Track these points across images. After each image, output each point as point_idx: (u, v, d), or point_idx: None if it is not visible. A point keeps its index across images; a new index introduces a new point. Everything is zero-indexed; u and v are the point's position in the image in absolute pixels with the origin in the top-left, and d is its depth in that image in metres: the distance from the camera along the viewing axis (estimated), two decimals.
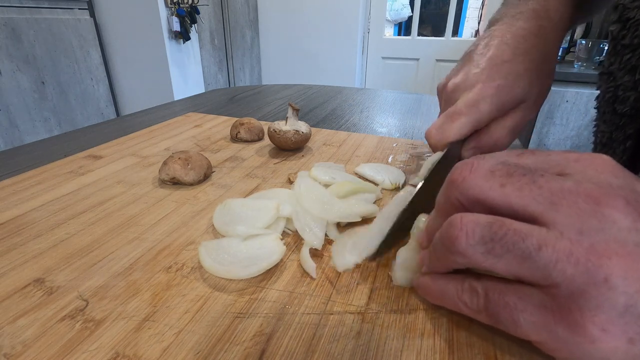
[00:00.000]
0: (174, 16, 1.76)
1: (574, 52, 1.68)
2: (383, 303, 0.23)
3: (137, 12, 1.75)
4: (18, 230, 0.30)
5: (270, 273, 0.26)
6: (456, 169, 0.20)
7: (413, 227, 0.27)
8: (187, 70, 1.98)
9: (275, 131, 0.45)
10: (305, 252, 0.27)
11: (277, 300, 0.23)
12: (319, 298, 0.24)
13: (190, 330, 0.21)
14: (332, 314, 0.22)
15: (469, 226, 0.17)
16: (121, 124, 0.62)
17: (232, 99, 0.82)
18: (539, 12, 0.35)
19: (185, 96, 0.93)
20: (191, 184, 0.38)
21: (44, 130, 1.62)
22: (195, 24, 1.91)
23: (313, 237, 0.28)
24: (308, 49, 2.49)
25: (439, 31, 2.43)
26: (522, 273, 0.16)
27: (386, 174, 0.40)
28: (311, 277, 0.25)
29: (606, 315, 0.15)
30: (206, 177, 0.40)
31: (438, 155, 0.33)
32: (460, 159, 0.34)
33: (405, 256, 0.25)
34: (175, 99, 1.43)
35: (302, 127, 0.46)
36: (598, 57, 1.57)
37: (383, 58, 2.48)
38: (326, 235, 0.30)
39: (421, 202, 0.27)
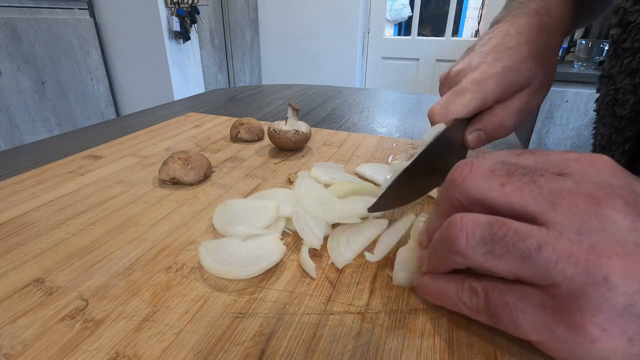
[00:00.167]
0: (174, 16, 1.76)
1: (574, 52, 1.69)
2: (383, 303, 0.23)
3: (137, 12, 1.75)
4: (18, 230, 0.30)
5: (270, 273, 0.26)
6: (456, 169, 0.20)
7: (413, 227, 0.27)
8: (187, 70, 1.98)
9: (275, 131, 0.45)
10: (304, 252, 0.27)
11: (277, 300, 0.23)
12: (319, 298, 0.24)
13: (190, 330, 0.21)
14: (332, 314, 0.22)
15: (469, 226, 0.17)
16: (121, 124, 0.62)
17: (232, 99, 0.82)
18: (540, 11, 0.36)
19: (185, 96, 0.93)
20: (191, 184, 0.38)
21: (44, 130, 1.62)
22: (195, 24, 1.91)
23: (312, 237, 0.28)
24: (308, 49, 2.49)
25: (439, 31, 2.43)
26: (522, 273, 0.16)
27: (386, 174, 0.40)
28: (311, 277, 0.25)
29: (606, 315, 0.15)
30: (206, 177, 0.40)
31: (441, 126, 0.31)
32: (462, 141, 0.33)
33: (405, 256, 0.25)
34: (175, 99, 1.43)
35: (302, 127, 0.46)
36: (598, 57, 1.58)
37: (383, 58, 2.48)
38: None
39: (422, 167, 0.27)
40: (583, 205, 0.16)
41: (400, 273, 0.25)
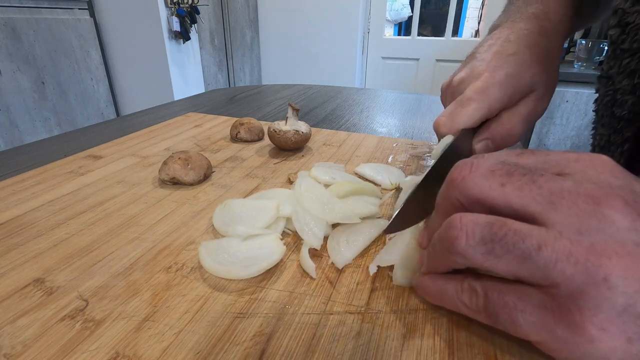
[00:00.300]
0: (174, 16, 1.76)
1: (574, 52, 1.69)
2: (383, 303, 0.23)
3: (137, 12, 1.75)
4: (18, 230, 0.30)
5: (270, 273, 0.26)
6: (456, 169, 0.20)
7: (412, 227, 0.27)
8: (187, 70, 1.98)
9: (275, 131, 0.45)
10: (304, 252, 0.27)
11: (277, 300, 0.23)
12: (319, 298, 0.24)
13: (190, 330, 0.21)
14: (332, 314, 0.22)
15: (469, 226, 0.17)
16: (121, 124, 0.62)
17: (232, 99, 0.82)
18: (539, 15, 0.35)
19: (185, 96, 0.93)
20: (191, 184, 0.38)
21: (44, 130, 1.62)
22: (195, 24, 1.91)
23: (312, 237, 0.28)
24: (308, 49, 2.49)
25: (439, 31, 2.43)
26: (522, 273, 0.16)
27: (386, 174, 0.40)
28: (311, 277, 0.25)
29: (605, 315, 0.15)
30: (206, 177, 0.40)
31: (450, 138, 0.31)
32: (471, 152, 0.33)
33: (405, 256, 0.25)
34: (175, 99, 1.43)
35: (302, 127, 0.46)
36: (598, 57, 1.58)
37: (383, 58, 2.48)
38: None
39: (434, 181, 0.27)
40: (583, 205, 0.16)
41: (400, 273, 0.25)
